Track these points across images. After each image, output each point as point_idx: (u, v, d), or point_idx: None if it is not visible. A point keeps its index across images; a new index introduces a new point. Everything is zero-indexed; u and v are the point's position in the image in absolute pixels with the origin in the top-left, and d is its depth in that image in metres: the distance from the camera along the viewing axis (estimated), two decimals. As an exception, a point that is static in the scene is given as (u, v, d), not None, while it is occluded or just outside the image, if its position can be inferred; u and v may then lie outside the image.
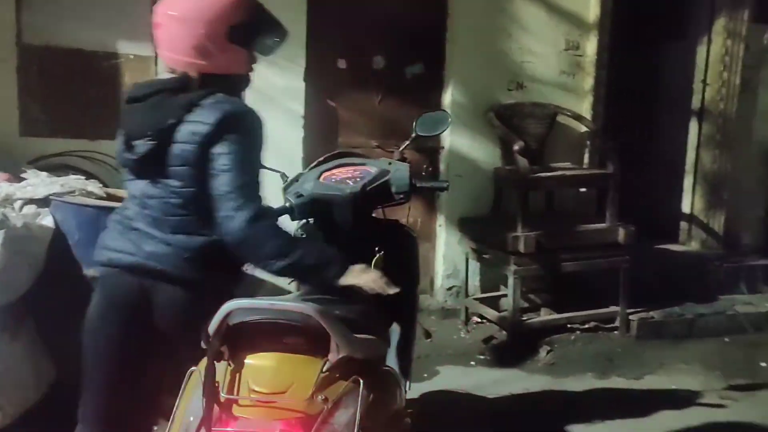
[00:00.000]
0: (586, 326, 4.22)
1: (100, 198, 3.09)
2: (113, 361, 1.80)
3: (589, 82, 4.63)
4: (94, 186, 3.19)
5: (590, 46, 4.60)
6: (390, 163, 2.22)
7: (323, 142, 4.05)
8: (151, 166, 1.76)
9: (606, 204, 4.18)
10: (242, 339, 1.52)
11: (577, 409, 3.34)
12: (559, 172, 4.19)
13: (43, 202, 2.94)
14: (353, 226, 2.10)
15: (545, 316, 4.24)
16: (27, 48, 3.47)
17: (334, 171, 2.23)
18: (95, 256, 1.88)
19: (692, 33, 5.16)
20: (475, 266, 4.49)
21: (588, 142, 4.65)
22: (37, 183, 2.98)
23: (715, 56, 5.03)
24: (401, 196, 2.17)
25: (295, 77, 3.96)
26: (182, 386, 1.49)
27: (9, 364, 2.65)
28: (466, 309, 4.41)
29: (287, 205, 2.12)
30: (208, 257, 1.77)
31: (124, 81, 3.64)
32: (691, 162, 5.24)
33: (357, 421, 1.39)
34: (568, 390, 3.57)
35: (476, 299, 4.44)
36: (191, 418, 1.45)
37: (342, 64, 4.15)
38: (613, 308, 4.25)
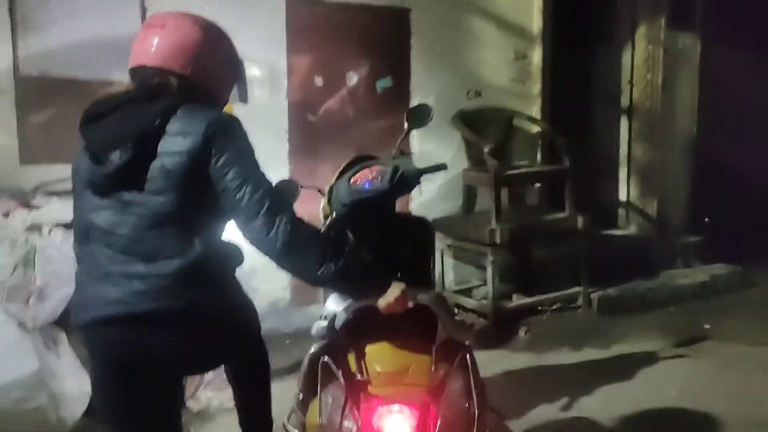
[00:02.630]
0: (554, 307, 4.69)
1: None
2: (130, 416, 1.71)
3: (537, 87, 5.13)
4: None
5: (536, 55, 5.11)
6: (394, 158, 2.45)
7: (306, 154, 4.32)
8: (124, 183, 1.64)
9: (564, 195, 4.67)
10: (356, 329, 1.81)
11: (561, 379, 3.75)
12: (524, 170, 4.64)
13: (68, 225, 3.07)
14: (380, 223, 2.34)
15: (518, 300, 4.66)
16: (24, 79, 3.55)
17: (357, 176, 2.48)
18: (73, 319, 1.74)
19: (618, 39, 5.78)
20: (449, 262, 4.87)
21: (540, 141, 5.14)
22: (61, 207, 3.10)
23: (638, 59, 5.66)
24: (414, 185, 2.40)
25: (279, 96, 4.21)
26: (318, 378, 1.75)
27: (56, 382, 2.79)
28: (444, 301, 4.76)
29: (333, 215, 2.37)
30: (192, 278, 1.65)
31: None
32: (624, 154, 5.85)
33: (473, 385, 1.72)
34: (550, 363, 3.99)
35: (453, 292, 4.81)
36: (330, 400, 1.71)
37: (319, 81, 4.43)
38: (575, 288, 4.74)
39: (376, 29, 4.58)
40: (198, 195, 1.66)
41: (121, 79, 3.75)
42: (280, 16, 4.21)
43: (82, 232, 1.74)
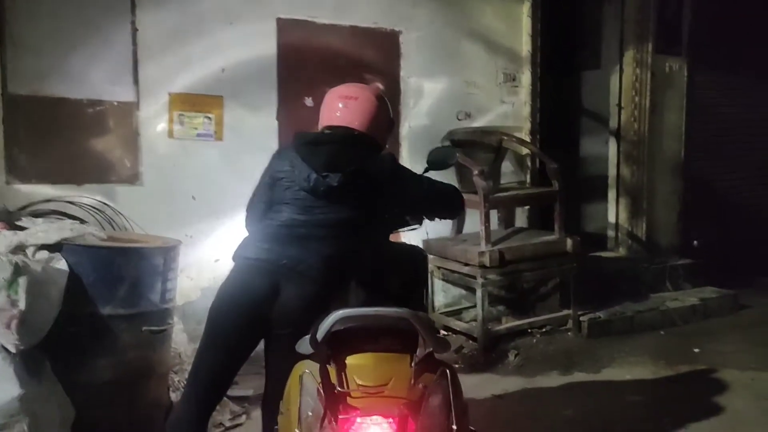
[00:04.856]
0: (544, 329, 4.66)
1: (103, 240, 3.20)
2: (230, 336, 2.26)
3: (526, 109, 5.16)
4: (93, 229, 3.30)
5: (525, 77, 5.15)
6: None
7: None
8: (332, 194, 2.28)
9: (553, 217, 4.67)
10: (339, 343, 1.81)
11: (551, 403, 3.73)
12: (514, 192, 4.64)
13: (54, 246, 3.02)
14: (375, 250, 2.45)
15: (507, 323, 4.63)
16: (12, 98, 3.53)
17: None
18: (242, 252, 2.36)
19: (606, 63, 5.84)
20: (438, 284, 4.85)
21: (529, 163, 5.16)
22: (47, 229, 3.05)
23: (626, 83, 5.70)
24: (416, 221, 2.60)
25: (269, 116, 4.21)
26: (299, 388, 1.73)
27: (38, 407, 2.72)
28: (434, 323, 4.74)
29: None
30: (335, 264, 2.28)
31: (108, 126, 3.75)
32: (613, 176, 5.87)
33: (451, 402, 1.70)
34: (540, 386, 3.96)
35: (442, 313, 4.79)
36: (309, 413, 1.70)
37: (309, 101, 4.43)
38: (565, 311, 4.73)
39: (366, 50, 4.60)
40: (371, 211, 2.35)
41: (111, 99, 3.78)
42: (271, 35, 4.24)
43: (277, 210, 2.37)
